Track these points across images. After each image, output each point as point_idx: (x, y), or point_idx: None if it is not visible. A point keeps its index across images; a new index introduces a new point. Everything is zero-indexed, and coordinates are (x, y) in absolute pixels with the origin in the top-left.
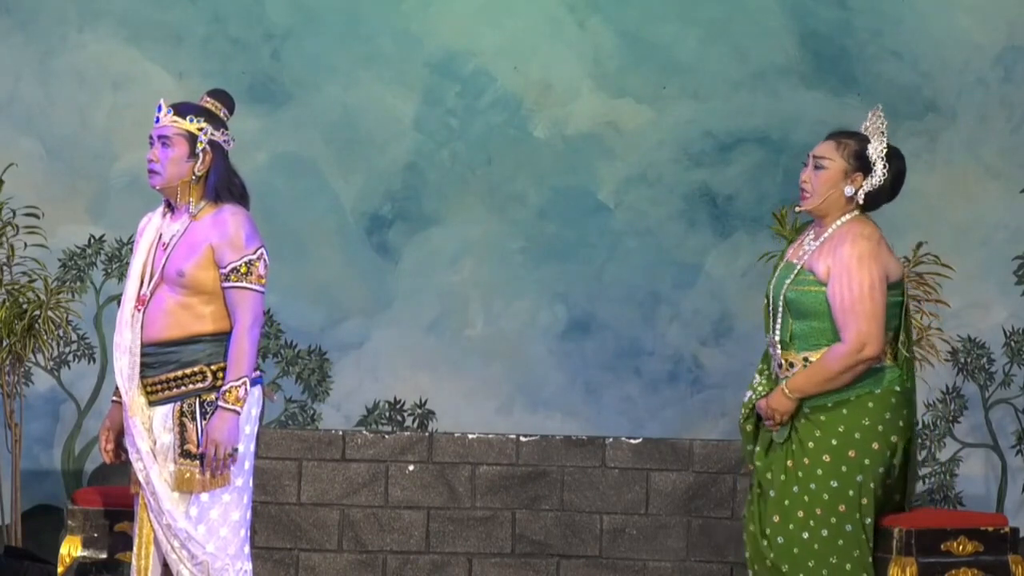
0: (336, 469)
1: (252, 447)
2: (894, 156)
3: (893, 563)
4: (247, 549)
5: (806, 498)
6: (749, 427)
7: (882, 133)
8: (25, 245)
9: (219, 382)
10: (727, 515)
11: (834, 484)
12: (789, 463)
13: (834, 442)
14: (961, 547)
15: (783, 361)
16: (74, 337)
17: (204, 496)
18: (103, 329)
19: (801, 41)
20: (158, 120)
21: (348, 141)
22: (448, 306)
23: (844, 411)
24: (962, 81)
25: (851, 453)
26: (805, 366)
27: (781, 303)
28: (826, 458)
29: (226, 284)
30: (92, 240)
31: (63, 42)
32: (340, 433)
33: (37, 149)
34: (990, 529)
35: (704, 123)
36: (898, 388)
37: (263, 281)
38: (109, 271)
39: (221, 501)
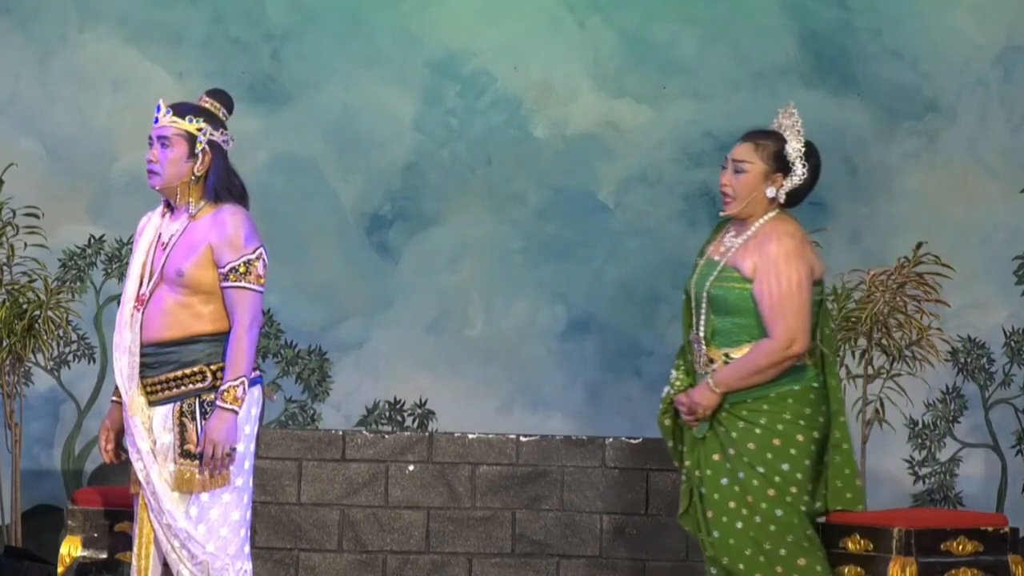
0: (336, 469)
1: (252, 447)
2: (811, 154)
3: (893, 563)
4: (247, 549)
5: (736, 488)
6: (667, 422)
7: (798, 132)
8: (25, 245)
9: (219, 382)
10: None
11: (760, 470)
12: (716, 456)
13: (758, 431)
14: (961, 547)
15: (705, 357)
16: (74, 337)
17: (204, 496)
18: (103, 329)
19: (801, 41)
20: (157, 120)
21: (348, 141)
22: (448, 306)
23: (765, 407)
24: (962, 81)
25: (776, 442)
26: (726, 362)
27: (704, 300)
28: (751, 446)
29: (225, 284)
30: (92, 240)
31: (63, 42)
32: (340, 433)
33: (37, 149)
34: (990, 529)
35: (704, 123)
36: (816, 384)
37: (262, 281)
38: (109, 271)
39: (221, 501)
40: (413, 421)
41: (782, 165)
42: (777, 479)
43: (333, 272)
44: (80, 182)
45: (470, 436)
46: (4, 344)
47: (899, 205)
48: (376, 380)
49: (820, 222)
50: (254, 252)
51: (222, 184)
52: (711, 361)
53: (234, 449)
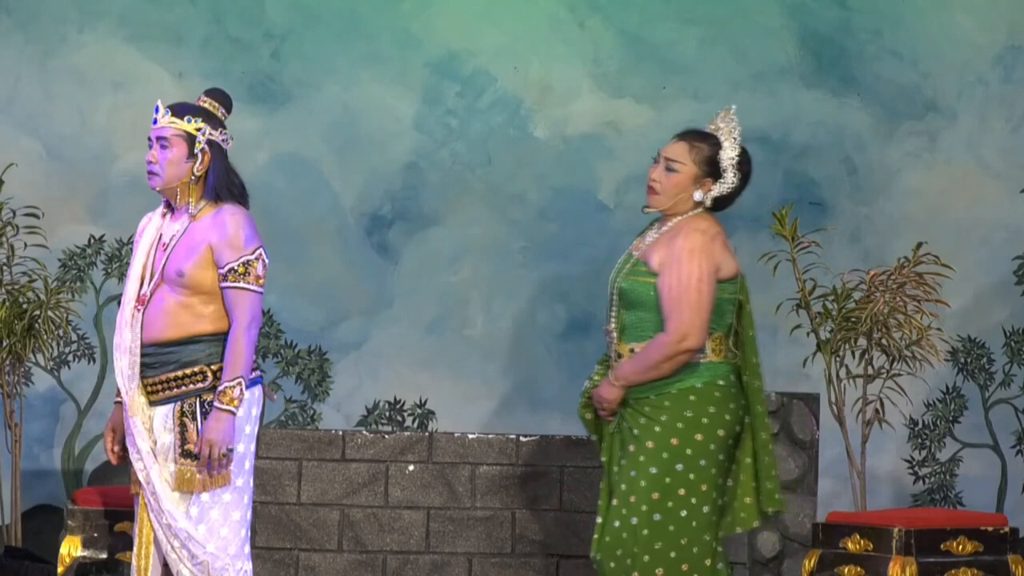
0: (336, 469)
1: (252, 447)
2: (744, 161)
3: (893, 563)
4: (247, 549)
5: (623, 486)
6: (588, 416)
7: (735, 138)
8: (25, 245)
9: (219, 382)
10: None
11: (653, 471)
12: (631, 448)
13: (657, 429)
14: (961, 547)
15: (616, 351)
16: (74, 337)
17: (204, 496)
18: (103, 329)
19: (801, 41)
20: (156, 121)
21: (348, 141)
22: (448, 306)
23: (666, 403)
24: (962, 81)
25: (673, 441)
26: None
27: (615, 293)
28: (650, 444)
29: (224, 284)
30: (92, 240)
31: (63, 42)
32: (340, 433)
33: (37, 149)
34: (990, 529)
35: (704, 123)
36: (722, 383)
37: (261, 282)
38: (109, 271)
39: (221, 501)
40: (413, 421)
41: (713, 171)
42: (667, 480)
43: (333, 272)
44: (80, 182)
45: (470, 436)
46: (4, 344)
47: (899, 205)
48: (376, 380)
49: (820, 222)
50: (253, 253)
51: (222, 184)
52: (620, 356)
53: (231, 450)
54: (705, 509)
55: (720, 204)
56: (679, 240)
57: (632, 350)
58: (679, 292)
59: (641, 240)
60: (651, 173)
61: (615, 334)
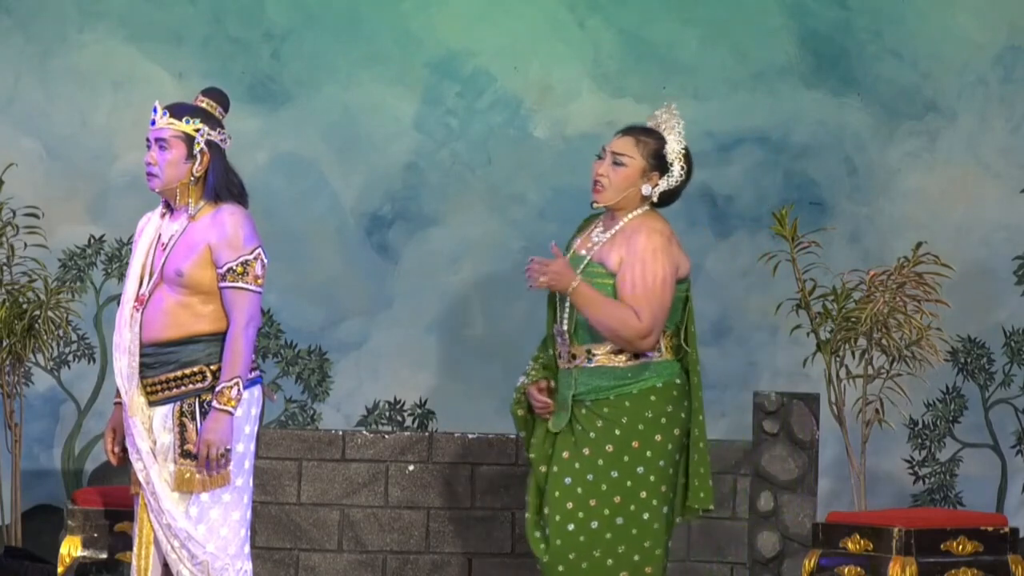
0: (336, 469)
1: (252, 447)
2: (688, 156)
3: (893, 563)
4: (247, 549)
5: (579, 490)
6: (520, 412)
7: (679, 132)
8: (25, 245)
9: (218, 382)
10: (727, 515)
11: (614, 475)
12: (566, 454)
13: (617, 432)
14: (961, 547)
15: (569, 352)
16: (74, 337)
17: (204, 496)
18: (103, 329)
19: (801, 41)
20: (154, 123)
21: (348, 141)
22: (448, 306)
23: (627, 403)
24: (962, 81)
25: (634, 444)
26: (588, 358)
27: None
28: (609, 448)
29: (222, 284)
30: (92, 240)
31: (63, 42)
32: (340, 433)
33: (37, 149)
34: (990, 529)
35: (704, 123)
36: (678, 381)
37: (260, 282)
38: (109, 271)
39: (221, 501)
40: (413, 421)
41: (660, 164)
42: (629, 483)
43: (333, 272)
44: (80, 182)
45: (470, 436)
46: (4, 344)
47: (899, 205)
48: (376, 380)
49: (820, 222)
50: (252, 252)
51: (221, 184)
52: (574, 356)
53: (229, 450)
54: (664, 510)
55: (665, 199)
56: (641, 239)
57: (590, 351)
58: (643, 291)
59: (586, 239)
60: (597, 169)
61: (568, 335)
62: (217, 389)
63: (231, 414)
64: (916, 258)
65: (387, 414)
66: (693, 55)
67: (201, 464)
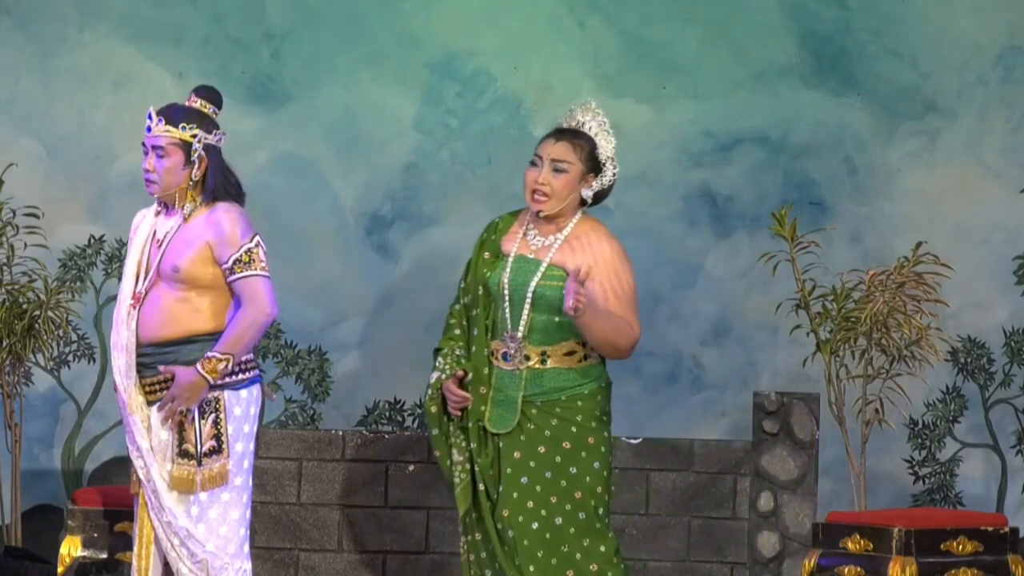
0: (336, 469)
1: (251, 447)
2: (615, 155)
3: (893, 563)
4: (247, 548)
5: (538, 488)
6: (434, 409)
7: (607, 132)
8: (25, 245)
9: (217, 382)
10: (727, 515)
11: (572, 470)
12: (517, 454)
13: (573, 429)
14: (961, 547)
15: (522, 354)
16: (74, 337)
17: (203, 495)
18: (103, 329)
19: (801, 41)
20: (149, 129)
21: (348, 141)
22: (448, 306)
23: (579, 403)
24: (962, 81)
25: (590, 440)
26: (543, 360)
27: (528, 297)
28: (566, 445)
29: (232, 277)
30: (92, 240)
31: (63, 42)
32: (340, 433)
33: (37, 149)
34: (990, 529)
35: (704, 123)
36: (610, 382)
37: (266, 268)
38: (109, 271)
39: (220, 500)
40: (413, 421)
41: (595, 166)
42: (588, 479)
43: (333, 272)
44: (80, 182)
45: None
46: (4, 344)
47: (899, 205)
48: (376, 380)
49: (820, 222)
50: (252, 241)
51: (220, 185)
52: (527, 358)
53: (189, 411)
54: (602, 510)
55: (598, 199)
56: (604, 247)
57: (544, 353)
58: (627, 300)
59: (523, 242)
60: (536, 177)
61: (521, 337)
62: (208, 354)
63: (208, 384)
64: (916, 258)
65: (387, 414)
66: (693, 55)
67: (159, 409)
